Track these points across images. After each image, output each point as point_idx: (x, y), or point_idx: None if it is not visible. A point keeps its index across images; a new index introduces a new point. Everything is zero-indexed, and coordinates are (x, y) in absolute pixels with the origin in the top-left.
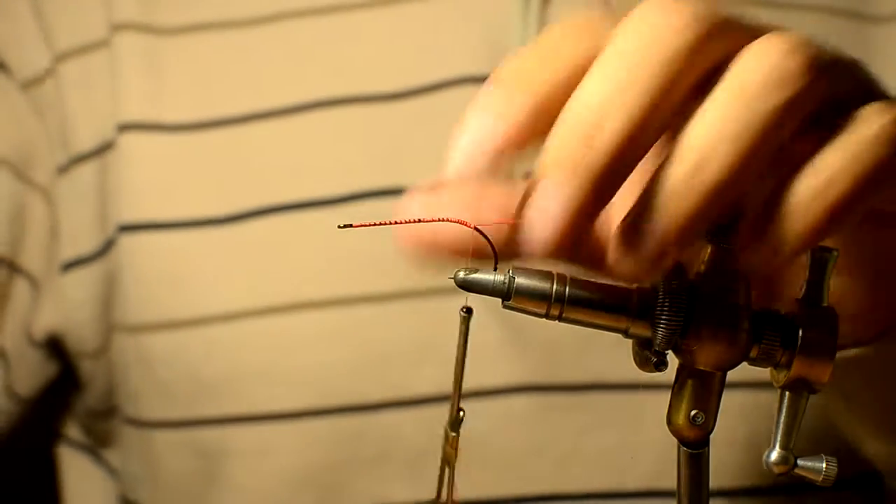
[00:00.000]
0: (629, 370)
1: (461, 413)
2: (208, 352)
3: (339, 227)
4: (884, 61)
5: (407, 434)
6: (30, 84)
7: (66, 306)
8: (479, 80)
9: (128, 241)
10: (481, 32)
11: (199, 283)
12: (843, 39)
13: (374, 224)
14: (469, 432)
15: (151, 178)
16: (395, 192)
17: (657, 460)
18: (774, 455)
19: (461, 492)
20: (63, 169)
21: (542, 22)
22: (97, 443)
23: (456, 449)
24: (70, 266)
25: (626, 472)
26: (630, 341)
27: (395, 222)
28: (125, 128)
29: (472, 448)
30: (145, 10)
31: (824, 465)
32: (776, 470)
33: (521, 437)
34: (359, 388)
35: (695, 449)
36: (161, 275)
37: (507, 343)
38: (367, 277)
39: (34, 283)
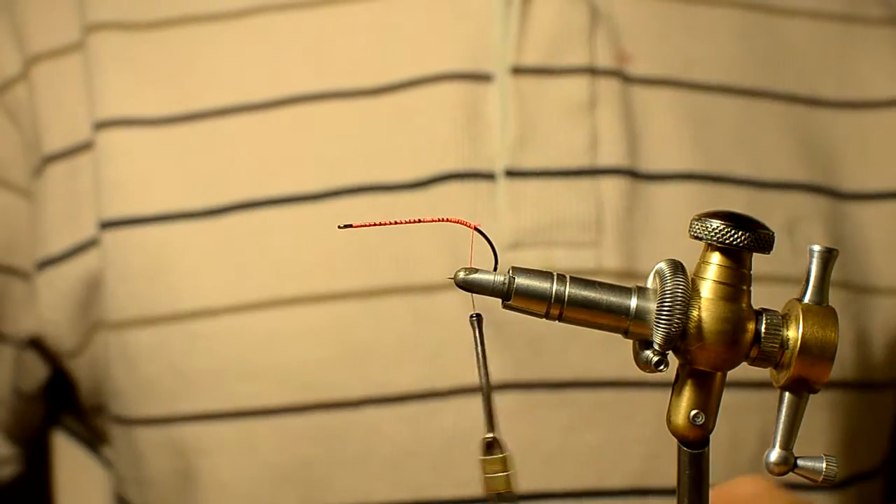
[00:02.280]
0: (613, 367)
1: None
2: (189, 347)
3: (340, 227)
4: (874, 63)
5: (388, 431)
6: (2, 88)
7: (41, 306)
8: (457, 76)
9: (110, 237)
10: (461, 29)
11: (180, 278)
12: (833, 43)
13: (374, 224)
14: (455, 430)
15: (132, 172)
16: (374, 188)
17: (644, 458)
18: (774, 455)
19: (450, 490)
20: (36, 171)
21: (524, 18)
22: (96, 438)
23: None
24: (43, 266)
25: (612, 469)
26: (612, 338)
27: (396, 222)
28: (103, 125)
29: (460, 445)
30: (120, 8)
31: (824, 465)
32: (776, 470)
33: (508, 435)
34: (340, 385)
35: (695, 449)
36: (142, 269)
37: (490, 340)
38: (348, 274)
39: (28, 281)
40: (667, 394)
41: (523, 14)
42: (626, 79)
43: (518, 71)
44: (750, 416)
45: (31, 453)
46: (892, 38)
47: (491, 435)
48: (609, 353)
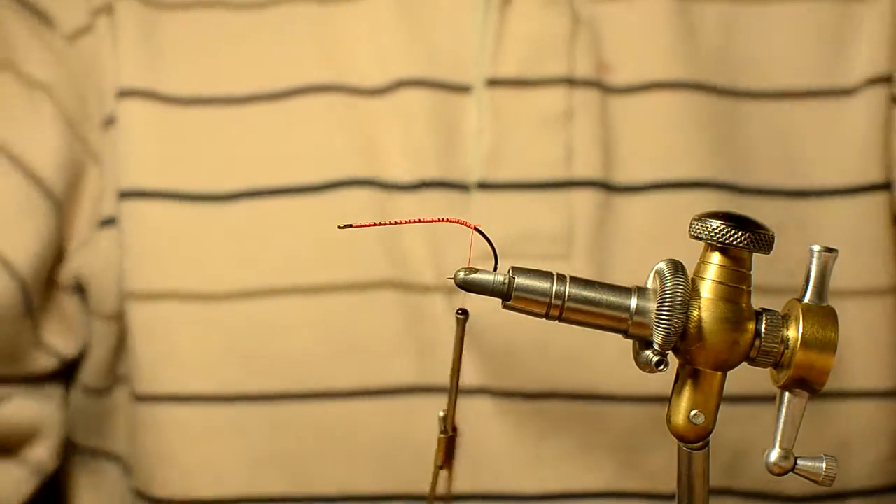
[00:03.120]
0: (585, 381)
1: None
2: (183, 328)
3: (340, 226)
4: (870, 38)
5: (375, 424)
6: (74, 37)
7: (94, 262)
8: (434, 85)
9: (126, 207)
10: (441, 38)
11: (181, 258)
12: (828, 23)
13: (374, 224)
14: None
15: (146, 145)
16: (371, 183)
17: (618, 464)
18: (774, 455)
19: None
20: (104, 125)
21: (501, 28)
22: (89, 434)
23: (445, 451)
24: (103, 224)
25: (586, 473)
26: (585, 352)
27: (395, 222)
28: (125, 94)
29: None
30: None
31: (824, 465)
32: (776, 470)
33: (485, 437)
34: (331, 376)
35: (695, 449)
36: (147, 243)
37: (468, 348)
38: (347, 266)
39: (81, 237)
40: (638, 407)
41: (500, 24)
42: (605, 89)
43: (494, 83)
44: (733, 421)
45: None
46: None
47: (442, 413)
48: (582, 367)
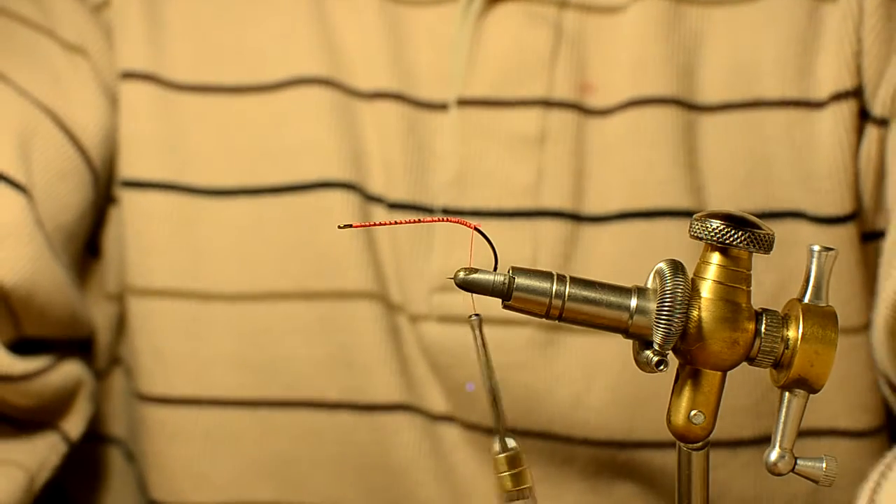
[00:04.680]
0: (540, 421)
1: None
2: (175, 328)
3: (340, 226)
4: (829, 47)
5: (360, 440)
6: (97, 9)
7: (107, 235)
8: (408, 101)
9: (126, 197)
10: (422, 55)
11: (176, 254)
12: (796, 22)
13: (374, 224)
14: (420, 447)
15: (146, 131)
16: (355, 188)
17: (583, 492)
18: (774, 455)
19: None
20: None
21: (478, 46)
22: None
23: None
24: (126, 185)
25: (554, 502)
26: (542, 393)
27: (395, 223)
28: (127, 76)
29: (424, 463)
30: None
31: (824, 465)
32: (776, 470)
33: (457, 462)
34: (321, 385)
35: (695, 448)
36: (142, 237)
37: (430, 375)
38: (332, 273)
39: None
40: (596, 449)
41: (477, 39)
42: (583, 111)
43: (465, 102)
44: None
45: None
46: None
47: (501, 433)
48: (536, 408)
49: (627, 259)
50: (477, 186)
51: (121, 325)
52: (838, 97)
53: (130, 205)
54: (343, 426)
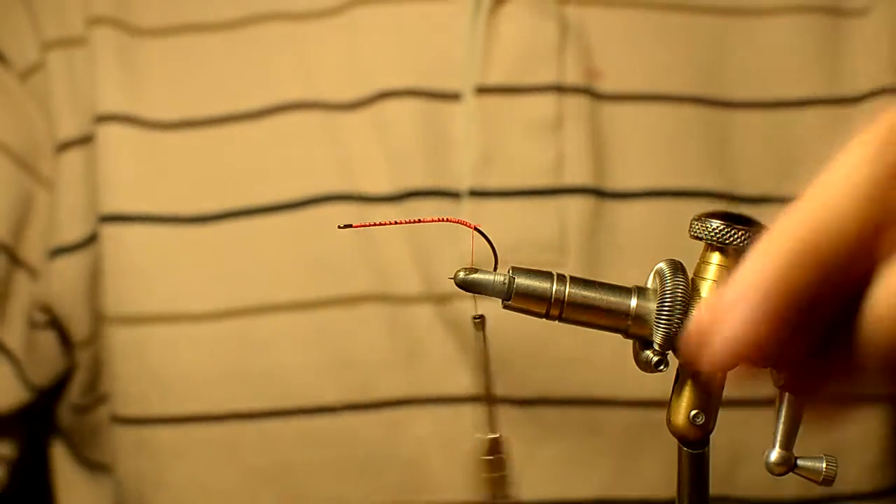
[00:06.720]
0: (579, 386)
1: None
2: (169, 350)
3: (340, 227)
4: (858, 52)
5: (364, 438)
6: (26, 74)
7: (54, 293)
8: (422, 93)
9: (106, 231)
10: (431, 46)
11: (163, 280)
12: (818, 35)
13: (374, 224)
14: (429, 439)
15: (127, 169)
16: (353, 197)
17: (611, 470)
18: (774, 455)
19: (424, 497)
20: (53, 157)
21: (491, 36)
22: (84, 446)
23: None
24: (56, 253)
25: (578, 480)
26: (578, 358)
27: (395, 223)
28: (103, 119)
29: (433, 453)
30: (120, 7)
31: (824, 464)
32: (776, 470)
33: (472, 445)
34: (319, 391)
35: (695, 449)
36: (127, 268)
37: (457, 355)
38: (331, 281)
39: (34, 276)
40: (635, 411)
41: (489, 31)
42: (595, 95)
43: (483, 90)
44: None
45: (30, 463)
46: (872, 29)
47: (493, 436)
48: (576, 371)
49: (656, 237)
50: (501, 168)
51: (97, 366)
52: (875, 94)
53: (112, 238)
54: (345, 428)
